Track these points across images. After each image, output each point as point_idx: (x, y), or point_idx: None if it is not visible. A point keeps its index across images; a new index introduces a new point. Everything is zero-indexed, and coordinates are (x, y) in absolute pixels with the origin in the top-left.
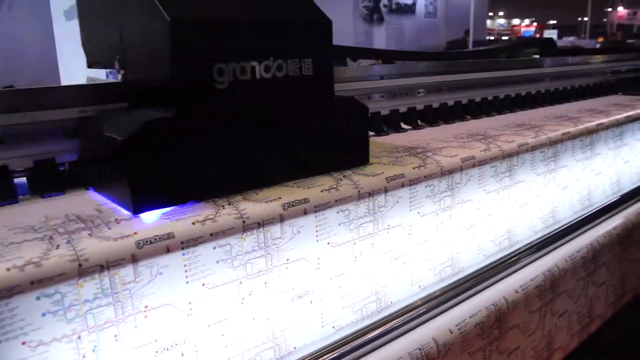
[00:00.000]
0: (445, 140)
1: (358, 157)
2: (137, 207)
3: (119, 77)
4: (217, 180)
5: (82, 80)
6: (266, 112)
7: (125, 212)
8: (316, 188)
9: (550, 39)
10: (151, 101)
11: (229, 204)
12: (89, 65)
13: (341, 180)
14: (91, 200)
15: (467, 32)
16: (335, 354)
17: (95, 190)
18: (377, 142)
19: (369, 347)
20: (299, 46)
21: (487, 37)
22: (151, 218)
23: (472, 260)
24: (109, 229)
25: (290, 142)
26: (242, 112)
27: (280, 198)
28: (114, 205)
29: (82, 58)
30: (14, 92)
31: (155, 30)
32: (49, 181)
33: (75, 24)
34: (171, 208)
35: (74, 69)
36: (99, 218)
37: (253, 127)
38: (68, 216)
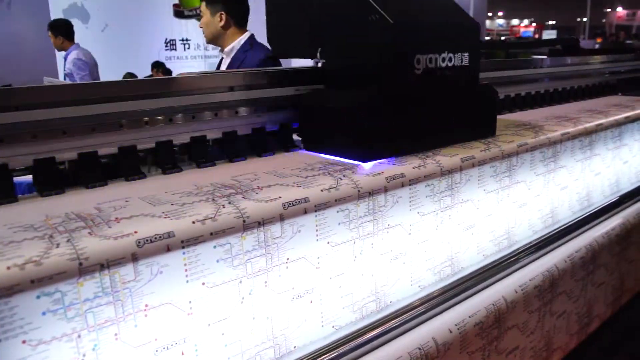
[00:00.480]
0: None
1: (489, 130)
2: (364, 158)
3: (319, 64)
4: (412, 139)
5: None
6: (442, 91)
7: (129, 210)
8: (316, 187)
9: (576, 39)
10: (351, 83)
11: (229, 202)
12: (276, 55)
13: (341, 179)
14: (92, 198)
15: None
16: (335, 354)
17: (316, 150)
18: None
19: (368, 346)
20: (461, 43)
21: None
22: (154, 217)
23: (471, 260)
24: (109, 227)
25: (456, 115)
26: (428, 91)
27: (280, 197)
28: (117, 203)
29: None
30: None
31: (375, 30)
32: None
33: (74, 23)
34: (385, 160)
35: None
36: (99, 217)
37: (434, 102)
38: (68, 215)
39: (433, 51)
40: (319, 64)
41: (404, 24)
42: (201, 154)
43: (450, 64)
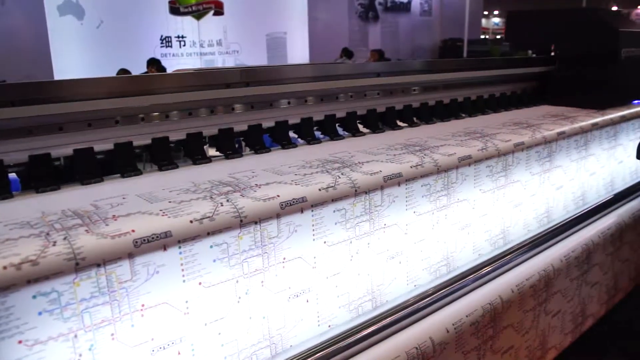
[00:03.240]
0: (443, 138)
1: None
2: (604, 105)
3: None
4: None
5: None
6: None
7: (126, 208)
8: (314, 186)
9: None
10: (577, 64)
11: (228, 200)
12: (514, 48)
13: (339, 178)
14: (88, 195)
15: None
16: (330, 350)
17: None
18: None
19: (365, 343)
20: None
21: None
22: (151, 215)
23: (467, 259)
24: (107, 225)
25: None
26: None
27: (278, 196)
28: (114, 200)
29: (74, 53)
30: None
31: (602, 36)
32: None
33: (68, 19)
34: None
35: (67, 63)
36: (96, 214)
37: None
38: (64, 212)
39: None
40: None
41: (624, 31)
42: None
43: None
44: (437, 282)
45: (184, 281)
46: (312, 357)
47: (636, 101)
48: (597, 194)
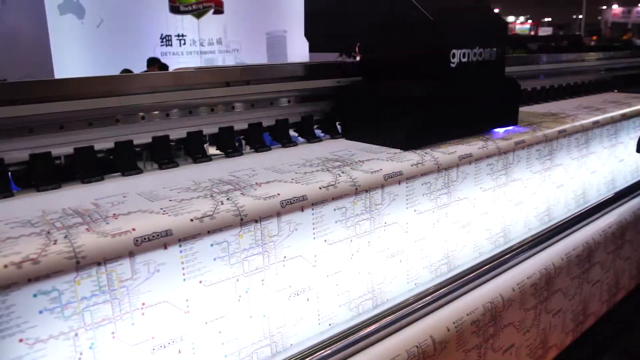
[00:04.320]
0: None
1: (512, 120)
2: (407, 145)
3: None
4: (451, 128)
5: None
6: (474, 83)
7: (127, 207)
8: (314, 184)
9: (579, 36)
10: (386, 75)
11: (228, 199)
12: (311, 50)
13: (340, 176)
14: (88, 194)
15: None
16: (331, 349)
17: (350, 139)
18: None
19: (365, 342)
20: (491, 39)
21: None
22: (152, 213)
23: (468, 257)
24: (107, 223)
25: (486, 105)
26: (464, 83)
27: (278, 194)
28: (114, 198)
29: (75, 51)
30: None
31: (415, 28)
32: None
33: (68, 18)
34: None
35: (68, 62)
36: (96, 212)
37: (470, 94)
38: (65, 210)
39: (466, 46)
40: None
41: (442, 21)
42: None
43: (480, 58)
44: (438, 280)
45: (184, 280)
46: (313, 356)
47: (498, 129)
48: (598, 192)
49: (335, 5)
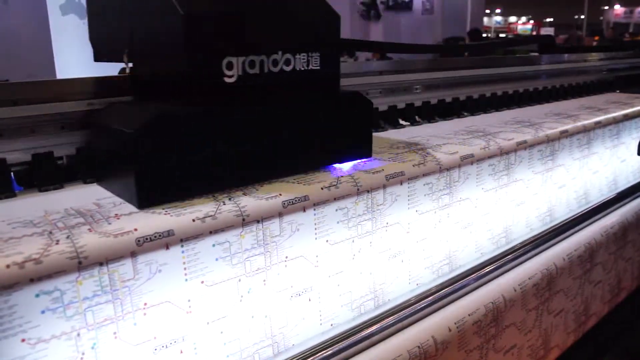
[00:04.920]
0: (445, 137)
1: (361, 152)
2: (143, 203)
3: (127, 70)
4: (222, 174)
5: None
6: (274, 105)
7: (129, 207)
8: (316, 185)
9: (552, 37)
10: (157, 94)
11: (230, 199)
12: (96, 59)
13: (342, 176)
14: (90, 194)
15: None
16: (333, 349)
17: (99, 184)
18: (376, 138)
19: (367, 342)
20: (306, 41)
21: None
22: (154, 213)
23: (469, 258)
24: (109, 224)
25: (297, 136)
26: (250, 106)
27: (280, 195)
28: (116, 199)
29: (77, 52)
30: (12, 85)
31: (167, 25)
32: (48, 175)
33: (70, 19)
34: (173, 204)
35: (70, 63)
36: (98, 212)
37: (260, 121)
38: (67, 210)
39: (254, 52)
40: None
41: (201, 16)
42: None
43: (287, 68)
44: (440, 280)
45: (186, 280)
46: (315, 356)
47: (342, 165)
48: (600, 193)
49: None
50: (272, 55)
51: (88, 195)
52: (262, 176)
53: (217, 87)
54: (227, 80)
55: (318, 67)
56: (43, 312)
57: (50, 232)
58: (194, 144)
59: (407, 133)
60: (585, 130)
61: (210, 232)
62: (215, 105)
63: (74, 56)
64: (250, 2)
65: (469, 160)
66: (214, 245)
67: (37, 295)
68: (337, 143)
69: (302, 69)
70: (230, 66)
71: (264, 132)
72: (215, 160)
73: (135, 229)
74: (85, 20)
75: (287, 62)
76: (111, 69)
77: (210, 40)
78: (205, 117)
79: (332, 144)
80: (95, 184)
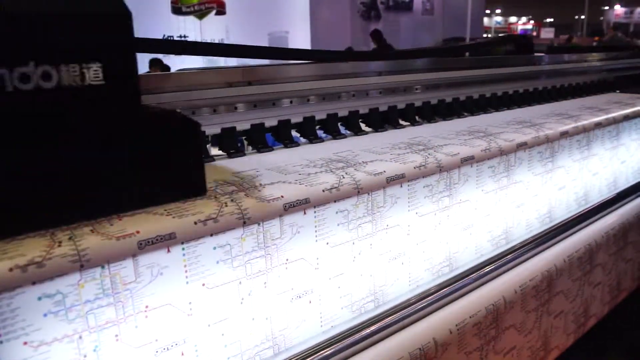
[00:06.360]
0: (447, 137)
1: (190, 187)
2: None
3: None
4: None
5: None
6: (27, 137)
7: None
8: (317, 187)
9: (529, 37)
10: None
11: (232, 200)
12: None
13: (343, 178)
14: None
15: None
16: (331, 350)
17: None
18: (377, 138)
19: (367, 341)
20: (79, 46)
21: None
22: (155, 215)
23: (469, 260)
24: (111, 225)
25: (84, 175)
26: None
27: (282, 196)
28: None
29: None
30: None
31: None
32: None
33: None
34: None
35: None
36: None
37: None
38: None
39: None
40: None
41: None
42: None
43: (47, 85)
44: (439, 280)
45: (187, 282)
46: (314, 356)
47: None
48: (600, 194)
49: None
50: (17, 68)
51: None
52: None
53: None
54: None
55: (101, 82)
56: (45, 315)
57: (53, 233)
58: None
59: (407, 133)
60: (585, 131)
61: (212, 235)
62: None
63: None
64: None
65: (469, 162)
66: (215, 247)
67: (40, 299)
68: (148, 180)
69: (74, 84)
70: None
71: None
72: None
73: (138, 232)
74: None
75: (47, 77)
76: None
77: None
78: None
79: (139, 182)
80: None
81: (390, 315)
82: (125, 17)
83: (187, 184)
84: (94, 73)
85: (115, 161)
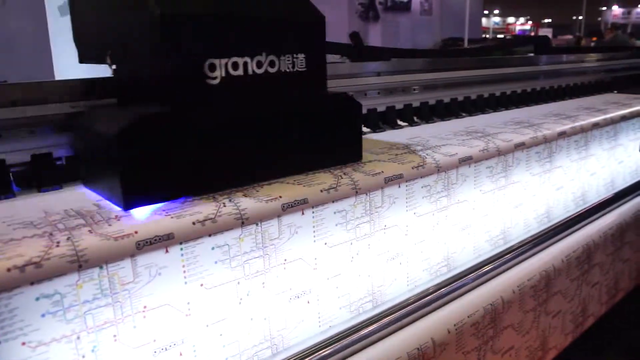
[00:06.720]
0: (445, 138)
1: (351, 154)
2: (128, 203)
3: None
4: (207, 176)
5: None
6: (258, 108)
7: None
8: (315, 187)
9: (547, 37)
10: (141, 97)
11: (230, 200)
12: (81, 61)
13: (341, 178)
14: (89, 195)
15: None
16: (330, 350)
17: (86, 186)
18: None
19: (364, 342)
20: (291, 42)
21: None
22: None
23: (467, 260)
24: (109, 225)
25: (283, 139)
26: (234, 108)
27: (280, 197)
28: (107, 202)
29: (76, 53)
30: (7, 87)
31: (145, 25)
32: (46, 175)
33: (69, 20)
34: (163, 204)
35: (69, 64)
36: (99, 214)
37: (245, 123)
38: (67, 211)
39: (238, 54)
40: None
41: (181, 16)
42: None
43: (272, 70)
44: (437, 280)
45: (185, 283)
46: (312, 356)
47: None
48: (598, 195)
49: None
50: (255, 56)
51: (88, 196)
52: (250, 178)
53: (200, 89)
54: (210, 82)
55: (304, 69)
56: (43, 315)
57: (51, 234)
58: (177, 146)
59: (405, 133)
60: (583, 131)
61: (210, 235)
62: (198, 107)
63: (72, 57)
64: (233, 2)
65: (467, 162)
66: (213, 248)
67: (38, 299)
68: (324, 145)
69: (288, 70)
70: (212, 68)
71: (248, 134)
72: (200, 161)
73: (136, 232)
74: None
75: (272, 64)
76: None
77: (189, 41)
78: (188, 119)
79: (318, 146)
80: None
81: (388, 316)
82: (321, 22)
83: (350, 151)
84: (300, 62)
85: (306, 129)
